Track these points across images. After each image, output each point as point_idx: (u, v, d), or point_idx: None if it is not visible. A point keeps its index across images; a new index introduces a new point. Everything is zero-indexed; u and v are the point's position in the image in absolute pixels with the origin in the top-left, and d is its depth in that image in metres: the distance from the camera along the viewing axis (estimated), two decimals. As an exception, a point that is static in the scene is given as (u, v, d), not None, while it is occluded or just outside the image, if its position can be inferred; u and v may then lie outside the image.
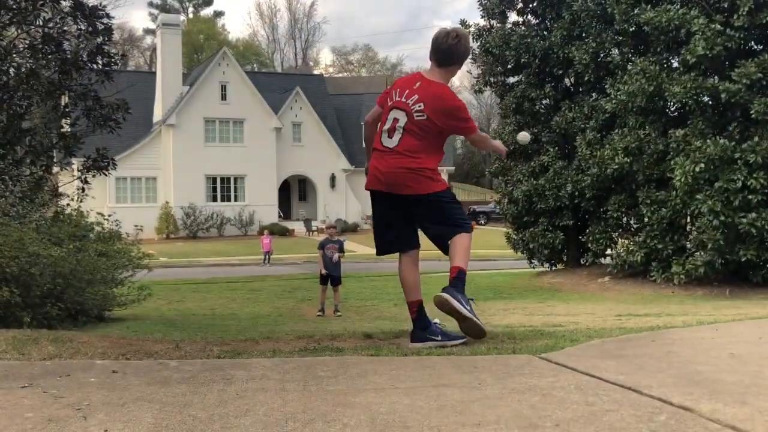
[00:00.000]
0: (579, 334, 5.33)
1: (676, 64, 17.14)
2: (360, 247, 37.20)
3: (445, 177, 49.17)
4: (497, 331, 6.03)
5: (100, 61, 13.51)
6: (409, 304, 5.02)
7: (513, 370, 3.18)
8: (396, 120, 4.75)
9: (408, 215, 4.96)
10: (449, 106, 4.78)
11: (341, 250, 14.37)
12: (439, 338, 4.73)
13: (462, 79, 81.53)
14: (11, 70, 12.35)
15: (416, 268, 5.19)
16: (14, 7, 12.75)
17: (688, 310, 10.91)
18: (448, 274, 5.02)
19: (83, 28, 13.24)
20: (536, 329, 6.47)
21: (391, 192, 4.82)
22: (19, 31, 13.43)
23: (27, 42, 13.19)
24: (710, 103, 15.95)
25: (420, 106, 4.71)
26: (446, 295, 4.75)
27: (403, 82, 4.98)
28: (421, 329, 4.85)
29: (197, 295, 18.45)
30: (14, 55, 12.18)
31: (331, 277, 14.09)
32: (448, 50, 4.80)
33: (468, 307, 4.74)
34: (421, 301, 4.97)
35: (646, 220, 16.89)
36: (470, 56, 22.52)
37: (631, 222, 18.86)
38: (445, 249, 5.07)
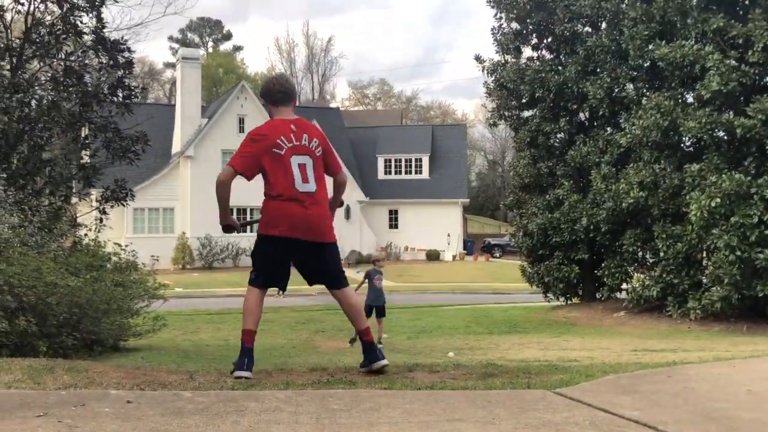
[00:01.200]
0: (594, 369, 5.30)
1: (690, 99, 17.17)
2: (374, 280, 37.10)
3: (459, 210, 49.47)
4: (512, 365, 6.00)
5: (120, 94, 13.75)
6: (245, 331, 5.35)
7: (527, 405, 3.17)
8: (303, 165, 5.15)
9: (294, 259, 5.35)
10: (328, 143, 5.45)
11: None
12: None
13: (477, 113, 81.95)
14: (33, 102, 12.56)
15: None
16: (38, 41, 13.00)
17: (705, 346, 10.79)
18: (360, 336, 5.55)
19: (105, 61, 13.50)
20: (551, 364, 6.42)
21: (304, 239, 5.18)
22: (42, 64, 13.69)
23: (49, 75, 13.44)
24: (725, 138, 15.91)
25: (315, 143, 5.24)
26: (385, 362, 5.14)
27: (281, 129, 5.25)
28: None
29: (211, 325, 18.46)
30: (36, 88, 12.41)
31: (378, 308, 13.79)
32: (292, 89, 5.44)
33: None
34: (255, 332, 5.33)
35: (661, 254, 16.78)
36: (486, 90, 22.74)
37: (647, 256, 18.76)
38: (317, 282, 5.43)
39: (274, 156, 5.15)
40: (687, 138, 16.82)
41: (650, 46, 17.46)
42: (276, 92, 5.35)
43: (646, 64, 18.35)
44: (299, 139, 5.18)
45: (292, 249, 5.22)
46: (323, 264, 5.39)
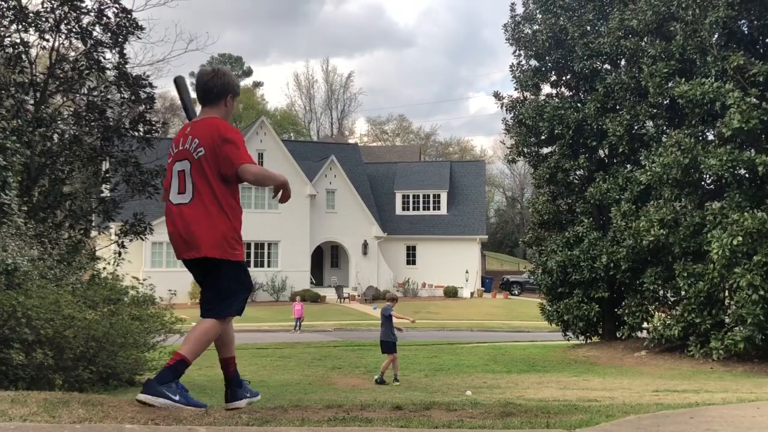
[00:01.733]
0: (615, 409, 5.20)
1: (711, 137, 17.12)
2: (392, 316, 36.93)
3: (477, 246, 49.37)
4: (531, 405, 5.91)
5: (141, 129, 13.92)
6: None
7: (546, 445, 3.10)
8: (182, 173, 4.41)
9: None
10: (220, 131, 4.36)
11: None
12: (177, 398, 4.19)
13: (495, 149, 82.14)
14: (55, 136, 12.74)
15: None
16: (61, 76, 13.23)
17: (728, 387, 10.59)
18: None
19: (126, 96, 13.69)
20: (571, 404, 6.32)
21: (186, 257, 4.50)
22: (65, 99, 13.91)
23: (72, 109, 13.64)
24: (747, 176, 15.81)
25: (196, 143, 4.37)
26: (145, 397, 4.13)
27: (179, 133, 4.58)
28: (239, 386, 4.94)
29: (228, 361, 18.35)
30: (59, 122, 12.59)
31: (391, 344, 13.98)
32: (204, 86, 4.52)
33: (177, 398, 4.20)
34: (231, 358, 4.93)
35: (683, 293, 16.60)
36: (504, 127, 22.81)
37: (668, 295, 18.56)
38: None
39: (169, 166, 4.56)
40: (708, 176, 16.74)
41: (670, 84, 17.47)
42: (196, 90, 4.66)
43: (665, 102, 18.35)
44: (185, 143, 4.43)
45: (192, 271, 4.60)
46: (208, 283, 4.56)
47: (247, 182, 4.40)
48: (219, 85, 4.53)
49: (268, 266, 43.40)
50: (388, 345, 13.98)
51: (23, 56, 12.88)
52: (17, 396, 4.25)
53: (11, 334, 6.61)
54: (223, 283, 4.46)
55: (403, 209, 50.53)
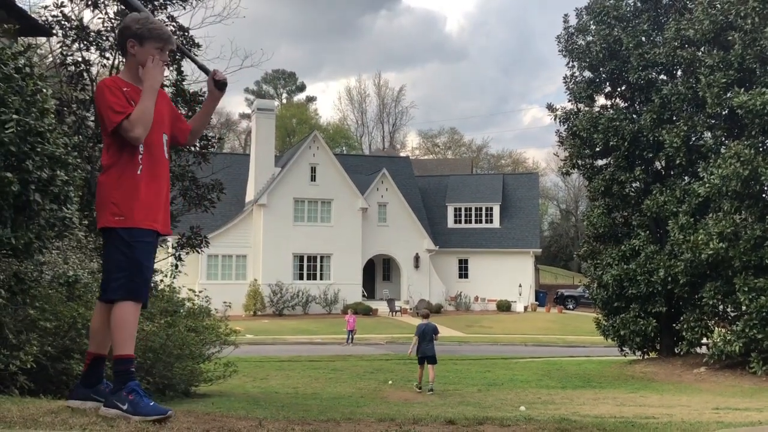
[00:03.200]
0: (673, 427, 5.08)
1: (772, 148, 16.68)
2: (443, 329, 36.77)
3: (531, 260, 48.91)
4: (586, 421, 5.81)
5: (197, 144, 14.16)
6: (87, 353, 4.25)
7: (603, 463, 3.04)
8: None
9: None
10: (97, 90, 3.94)
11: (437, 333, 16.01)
12: (125, 407, 3.80)
13: (548, 161, 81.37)
14: (115, 151, 13.04)
15: (105, 317, 4.08)
16: (121, 93, 13.57)
17: (793, 406, 10.26)
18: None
19: (183, 112, 13.96)
20: (627, 420, 6.19)
21: None
22: (125, 115, 14.25)
23: (131, 125, 13.96)
24: (811, 187, 15.37)
25: None
26: (102, 411, 3.88)
27: None
28: (85, 386, 4.15)
29: (281, 372, 18.54)
30: (118, 138, 12.89)
31: (429, 357, 15.26)
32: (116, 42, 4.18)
33: (125, 406, 3.80)
34: (99, 356, 4.18)
35: (744, 308, 16.16)
36: (558, 139, 22.59)
37: (728, 310, 18.10)
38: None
39: None
40: (769, 187, 16.31)
41: (728, 94, 17.10)
42: None
43: (724, 112, 17.97)
44: None
45: None
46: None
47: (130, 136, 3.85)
48: (120, 29, 4.07)
49: (321, 279, 43.66)
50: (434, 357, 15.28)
51: (84, 74, 13.26)
52: (77, 406, 4.34)
53: (72, 345, 6.78)
54: (111, 255, 4.00)
55: (455, 222, 50.33)
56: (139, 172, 3.93)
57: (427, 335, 15.52)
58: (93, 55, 13.58)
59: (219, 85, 4.35)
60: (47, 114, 6.19)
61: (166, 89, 13.84)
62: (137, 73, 4.01)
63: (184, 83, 13.97)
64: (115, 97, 3.86)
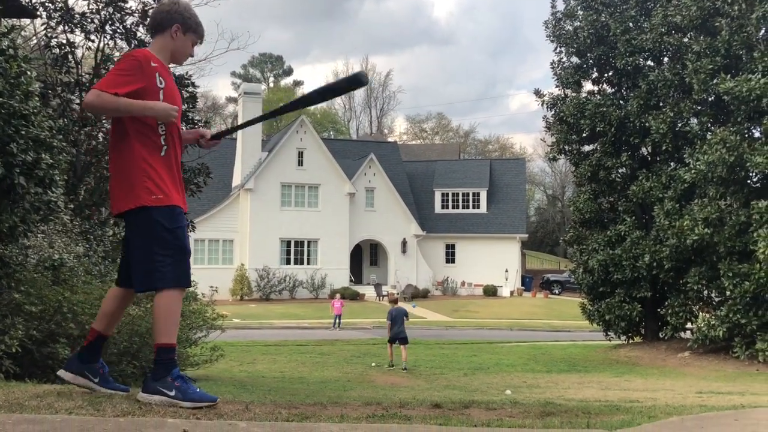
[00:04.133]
0: (657, 410, 5.13)
1: (758, 134, 16.77)
2: (430, 314, 36.92)
3: (517, 245, 49.11)
4: (571, 405, 5.85)
5: (184, 128, 14.08)
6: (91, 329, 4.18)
7: (587, 445, 3.07)
8: None
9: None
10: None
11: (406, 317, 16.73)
12: (172, 393, 3.75)
13: (535, 147, 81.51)
14: (100, 135, 12.95)
15: (120, 303, 4.13)
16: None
17: (775, 390, 10.38)
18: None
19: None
20: (612, 404, 6.25)
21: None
22: (110, 98, 14.13)
23: (117, 109, 13.86)
24: (795, 173, 15.47)
25: None
26: (141, 396, 3.81)
27: None
28: (81, 361, 4.05)
29: (268, 357, 18.56)
30: (104, 121, 12.78)
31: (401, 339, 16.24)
32: (154, 17, 4.07)
33: (172, 392, 3.75)
34: (99, 334, 4.12)
35: (728, 293, 16.29)
36: (545, 124, 22.61)
37: (713, 295, 18.24)
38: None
39: None
40: (754, 174, 16.41)
41: (715, 80, 17.15)
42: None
43: (710, 99, 18.03)
44: None
45: None
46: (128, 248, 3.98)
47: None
48: (151, 15, 4.10)
49: (308, 264, 43.66)
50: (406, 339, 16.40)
51: (69, 56, 13.14)
52: (63, 389, 4.33)
53: (57, 329, 6.75)
54: (144, 241, 3.86)
55: (443, 207, 50.38)
56: (162, 154, 3.90)
57: (398, 319, 16.27)
58: (78, 38, 13.44)
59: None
60: (32, 97, 6.14)
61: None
62: (168, 54, 4.08)
63: (169, 66, 13.85)
64: (125, 76, 3.78)
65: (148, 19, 4.16)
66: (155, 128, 3.89)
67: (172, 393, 3.77)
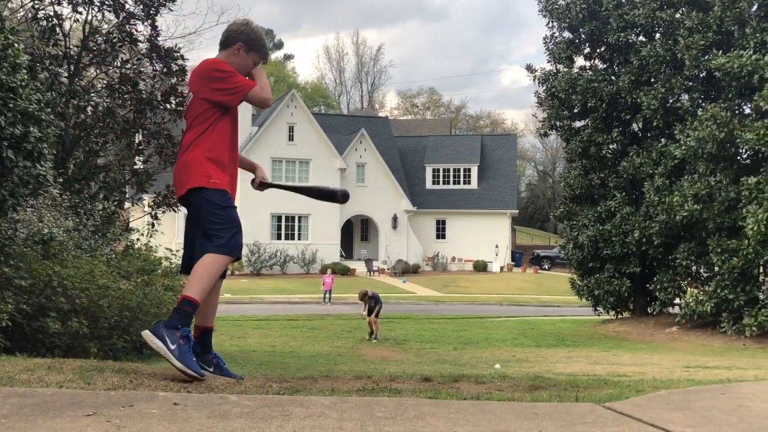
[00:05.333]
0: (645, 384, 5.18)
1: (748, 111, 16.79)
2: (420, 289, 37.06)
3: (508, 221, 49.16)
4: (560, 378, 5.90)
5: (173, 101, 13.98)
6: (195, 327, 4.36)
7: (575, 418, 3.10)
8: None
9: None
10: (206, 67, 4.19)
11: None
12: (172, 347, 3.85)
13: (527, 123, 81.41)
14: (89, 108, 12.85)
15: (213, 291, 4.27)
16: (94, 48, 13.33)
17: (761, 364, 10.49)
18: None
19: (159, 68, 13.76)
20: (600, 378, 6.30)
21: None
22: (98, 71, 14.03)
23: (105, 82, 13.76)
24: (785, 150, 15.51)
25: (188, 89, 4.37)
26: (146, 334, 3.94)
27: None
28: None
29: (259, 331, 18.61)
30: (92, 95, 12.69)
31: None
32: (224, 33, 4.39)
33: (173, 346, 3.85)
34: (204, 328, 4.36)
35: (716, 269, 16.40)
36: (537, 100, 22.57)
37: (701, 271, 18.36)
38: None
39: None
40: (744, 150, 16.45)
41: (707, 56, 17.14)
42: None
43: (701, 75, 18.02)
44: None
45: None
46: (192, 224, 4.22)
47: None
48: (229, 32, 4.39)
49: (299, 239, 43.66)
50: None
51: (57, 29, 12.98)
52: (53, 363, 4.34)
53: (47, 303, 6.75)
54: (207, 213, 4.16)
55: (434, 183, 50.36)
56: (228, 142, 4.25)
57: (373, 299, 17.32)
58: (66, 10, 13.30)
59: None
60: (19, 69, 6.07)
61: (140, 45, 13.64)
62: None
63: (158, 39, 13.73)
64: (236, 74, 4.18)
65: (221, 35, 4.40)
66: (228, 122, 4.29)
67: (173, 347, 3.86)
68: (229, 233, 4.11)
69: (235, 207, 4.27)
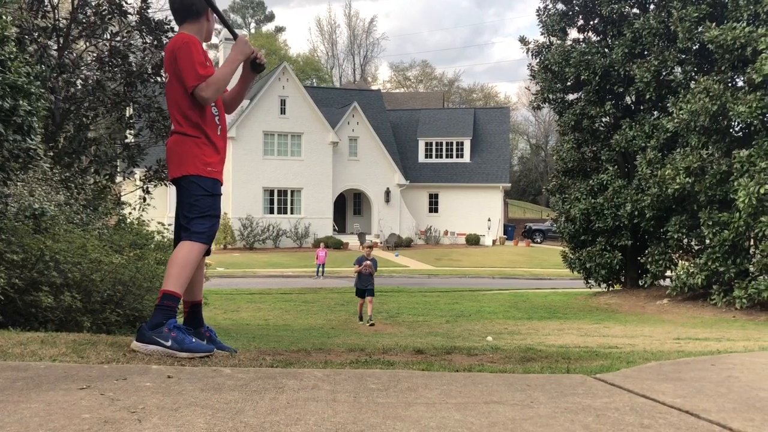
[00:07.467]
0: (636, 356, 5.22)
1: (741, 83, 16.76)
2: (413, 263, 37.16)
3: (500, 194, 49.19)
4: (551, 350, 5.95)
5: (164, 74, 13.85)
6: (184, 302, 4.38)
7: (566, 389, 3.13)
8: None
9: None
10: (171, 46, 4.01)
11: (376, 267, 15.53)
12: (169, 343, 3.80)
13: (520, 96, 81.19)
14: (79, 82, 12.74)
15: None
16: (84, 21, 13.18)
17: (750, 336, 10.59)
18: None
19: (148, 41, 13.63)
20: (591, 350, 6.35)
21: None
22: (88, 44, 13.88)
23: (95, 55, 13.62)
24: (777, 123, 15.52)
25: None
26: (135, 345, 3.85)
27: None
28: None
29: (252, 305, 18.67)
30: (82, 68, 12.57)
31: (367, 290, 15.11)
32: (180, 4, 4.13)
33: (168, 342, 3.80)
34: (192, 303, 4.39)
35: (707, 241, 16.48)
36: (530, 73, 22.47)
37: (692, 243, 18.46)
38: None
39: None
40: (736, 123, 16.46)
41: (700, 29, 17.07)
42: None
43: (695, 47, 17.95)
44: None
45: None
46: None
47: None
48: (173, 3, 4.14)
49: (291, 213, 43.63)
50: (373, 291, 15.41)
51: (45, 0, 12.82)
52: (47, 337, 4.34)
53: (40, 278, 6.73)
54: (191, 200, 4.11)
55: (426, 157, 50.30)
56: (219, 133, 4.13)
57: (374, 262, 16.02)
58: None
59: (255, 67, 4.31)
60: (7, 42, 6.01)
61: (130, 17, 13.50)
62: (203, 35, 4.26)
63: (148, 11, 13.58)
64: (201, 55, 3.99)
65: (177, 6, 4.13)
66: (211, 110, 4.14)
67: (169, 343, 3.83)
68: (210, 222, 4.13)
69: (221, 195, 4.25)
